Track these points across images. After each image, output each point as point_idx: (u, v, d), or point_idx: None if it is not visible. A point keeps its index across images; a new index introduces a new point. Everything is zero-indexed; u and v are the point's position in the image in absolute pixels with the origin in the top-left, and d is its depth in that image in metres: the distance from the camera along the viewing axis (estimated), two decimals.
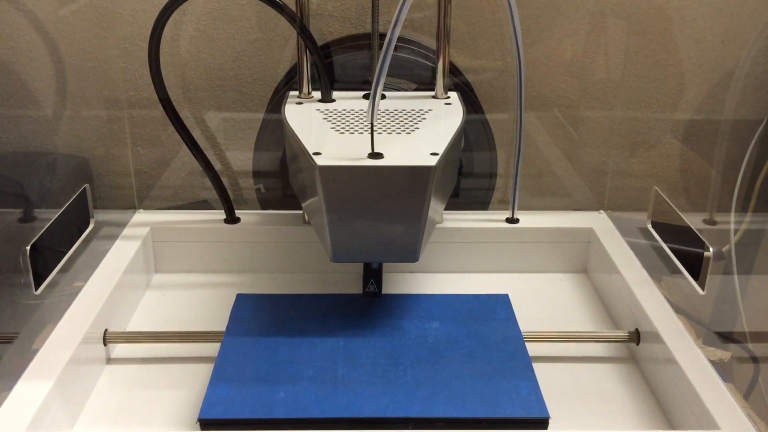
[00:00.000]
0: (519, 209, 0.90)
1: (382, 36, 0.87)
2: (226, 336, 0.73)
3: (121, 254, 0.83)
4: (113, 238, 0.86)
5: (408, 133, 0.73)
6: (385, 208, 0.68)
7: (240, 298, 0.79)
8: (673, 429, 0.66)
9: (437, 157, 0.66)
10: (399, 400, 0.64)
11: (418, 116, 0.78)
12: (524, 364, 0.69)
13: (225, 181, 0.89)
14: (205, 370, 0.72)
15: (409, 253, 0.70)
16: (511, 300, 0.85)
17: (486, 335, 0.73)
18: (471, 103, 0.93)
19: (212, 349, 0.73)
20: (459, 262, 0.90)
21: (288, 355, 0.70)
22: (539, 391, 0.65)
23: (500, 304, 0.79)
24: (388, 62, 0.63)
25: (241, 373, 0.68)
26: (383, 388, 0.66)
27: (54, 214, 0.78)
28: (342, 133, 0.74)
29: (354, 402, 0.64)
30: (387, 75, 0.64)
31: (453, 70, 0.94)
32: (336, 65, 0.92)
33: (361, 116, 0.78)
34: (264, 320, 0.75)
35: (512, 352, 0.71)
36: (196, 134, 0.95)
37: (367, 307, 0.78)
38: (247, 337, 0.73)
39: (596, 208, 0.95)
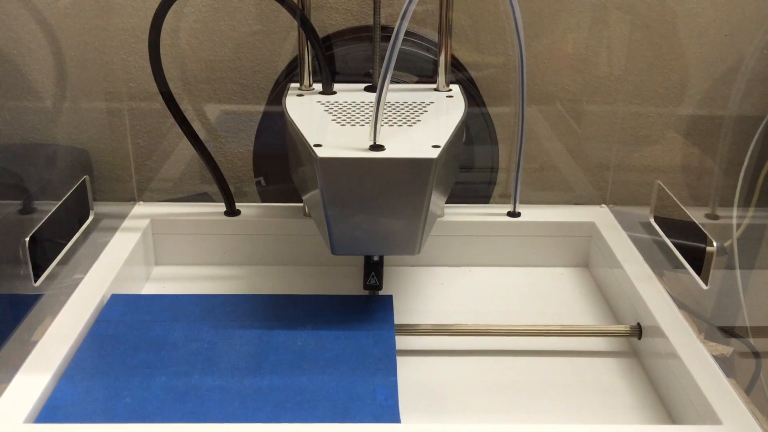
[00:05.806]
0: (521, 203, 0.90)
1: (384, 28, 0.87)
2: (85, 338, 0.69)
3: (120, 246, 0.83)
4: (113, 230, 0.86)
5: (410, 126, 0.73)
6: (386, 200, 0.68)
7: (113, 298, 0.75)
8: (675, 423, 0.66)
9: (439, 150, 0.66)
10: (248, 406, 0.62)
11: (420, 109, 0.78)
12: (388, 369, 0.66)
13: (225, 173, 0.89)
14: None
15: (410, 247, 0.70)
16: (512, 294, 0.85)
17: (357, 338, 0.70)
18: (472, 97, 0.92)
19: None
20: (460, 255, 0.89)
21: (146, 359, 0.67)
22: (396, 397, 0.63)
23: (381, 306, 0.76)
24: (395, 54, 0.62)
25: (92, 377, 0.65)
26: (235, 394, 0.63)
27: (53, 206, 0.78)
28: (343, 125, 0.73)
29: (201, 408, 0.61)
30: None
31: (454, 65, 0.93)
32: (337, 57, 0.92)
33: (362, 108, 0.78)
34: (132, 322, 0.72)
35: (379, 357, 0.68)
36: (196, 126, 0.95)
37: (243, 309, 0.75)
38: (109, 339, 0.70)
39: (598, 202, 0.95)
